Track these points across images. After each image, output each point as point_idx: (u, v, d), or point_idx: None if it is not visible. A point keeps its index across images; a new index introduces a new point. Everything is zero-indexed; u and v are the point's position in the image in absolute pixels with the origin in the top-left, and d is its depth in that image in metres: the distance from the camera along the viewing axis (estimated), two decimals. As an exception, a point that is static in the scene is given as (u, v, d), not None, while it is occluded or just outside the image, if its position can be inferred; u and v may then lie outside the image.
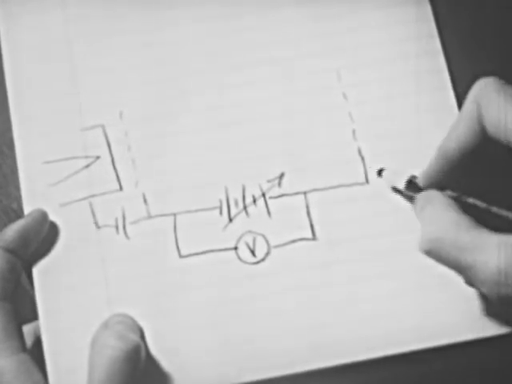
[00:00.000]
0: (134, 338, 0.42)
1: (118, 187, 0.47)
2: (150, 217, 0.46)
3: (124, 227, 0.46)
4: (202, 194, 0.47)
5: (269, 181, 0.47)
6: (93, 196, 0.46)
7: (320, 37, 0.49)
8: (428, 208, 0.41)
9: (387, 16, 0.49)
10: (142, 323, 0.45)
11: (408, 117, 0.48)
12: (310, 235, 0.46)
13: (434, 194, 0.42)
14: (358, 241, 0.46)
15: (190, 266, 0.45)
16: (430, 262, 0.39)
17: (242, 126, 0.48)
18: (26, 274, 0.46)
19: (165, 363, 0.44)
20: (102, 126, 0.48)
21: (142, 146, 0.47)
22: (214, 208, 0.46)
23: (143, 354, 0.42)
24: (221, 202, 0.47)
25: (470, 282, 0.39)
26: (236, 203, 0.47)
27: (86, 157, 0.47)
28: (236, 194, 0.47)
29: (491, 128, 0.39)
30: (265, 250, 0.46)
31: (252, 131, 0.48)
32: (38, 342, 0.45)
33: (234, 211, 0.46)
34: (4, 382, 0.41)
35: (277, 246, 0.46)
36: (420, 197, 0.43)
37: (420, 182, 0.43)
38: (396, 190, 0.46)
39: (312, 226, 0.46)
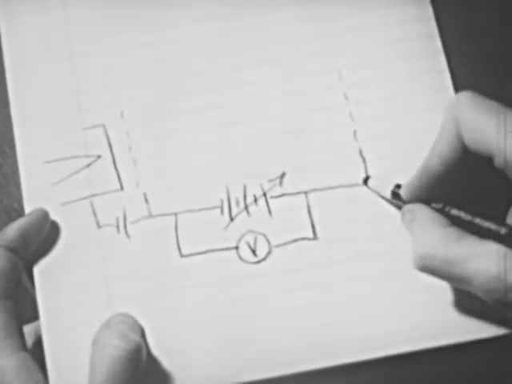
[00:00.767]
0: (136, 337, 0.42)
1: (119, 187, 0.47)
2: (150, 216, 0.46)
3: (125, 227, 0.46)
4: (203, 193, 0.47)
5: (270, 180, 0.47)
6: (94, 195, 0.46)
7: (320, 37, 0.49)
8: (415, 224, 0.41)
9: (387, 16, 0.49)
10: (143, 323, 0.44)
11: (409, 117, 0.48)
12: (311, 235, 0.46)
13: (418, 208, 0.42)
14: (358, 241, 0.46)
15: (191, 265, 0.45)
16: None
17: (243, 125, 0.48)
18: (26, 273, 0.46)
19: (165, 363, 0.44)
20: (103, 126, 0.48)
21: (143, 146, 0.47)
22: (215, 207, 0.46)
23: (144, 353, 0.42)
24: (222, 201, 0.47)
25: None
26: (237, 203, 0.47)
27: (87, 156, 0.47)
28: (237, 194, 0.47)
29: (470, 142, 0.39)
30: (266, 250, 0.46)
31: (253, 131, 0.48)
32: (38, 341, 0.45)
33: (235, 211, 0.46)
34: (5, 381, 0.41)
35: (278, 246, 0.46)
36: (405, 209, 0.43)
37: (403, 194, 0.44)
38: (383, 197, 0.46)
39: (313, 226, 0.46)
